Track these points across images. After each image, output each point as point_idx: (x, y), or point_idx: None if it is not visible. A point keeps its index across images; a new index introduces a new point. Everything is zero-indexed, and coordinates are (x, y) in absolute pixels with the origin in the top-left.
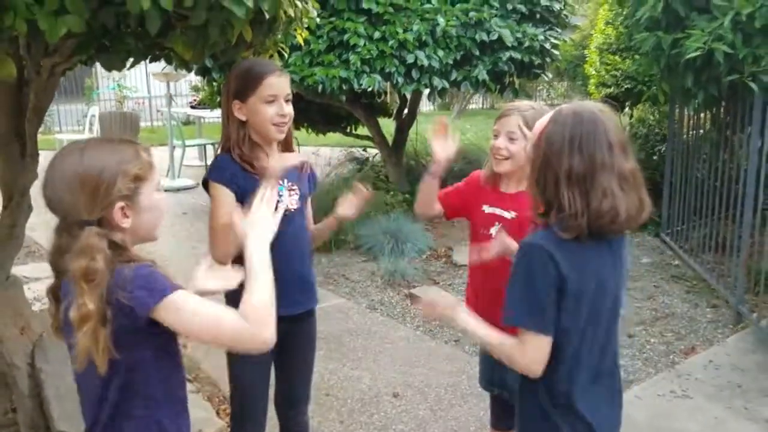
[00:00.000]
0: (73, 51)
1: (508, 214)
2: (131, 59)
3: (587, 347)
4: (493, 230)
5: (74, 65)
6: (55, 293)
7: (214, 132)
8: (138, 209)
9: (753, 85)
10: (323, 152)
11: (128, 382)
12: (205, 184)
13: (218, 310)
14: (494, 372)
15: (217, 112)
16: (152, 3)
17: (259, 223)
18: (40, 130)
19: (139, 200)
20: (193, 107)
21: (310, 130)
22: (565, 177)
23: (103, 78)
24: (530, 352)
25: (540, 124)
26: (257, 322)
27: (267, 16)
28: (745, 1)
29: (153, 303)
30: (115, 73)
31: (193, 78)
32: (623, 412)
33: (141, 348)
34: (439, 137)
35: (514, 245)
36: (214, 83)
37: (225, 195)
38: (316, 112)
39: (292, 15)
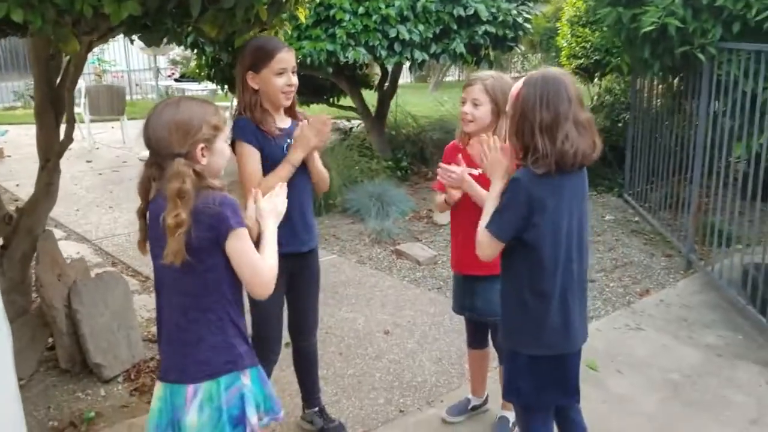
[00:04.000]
0: (123, 30)
1: (476, 171)
2: (166, 37)
3: (562, 255)
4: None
5: (107, 41)
6: (143, 213)
7: None
8: (212, 151)
9: (701, 56)
10: None
11: (205, 281)
12: (232, 144)
13: (258, 257)
14: (464, 298)
15: (203, 85)
16: None
17: (279, 210)
18: (20, 104)
19: (215, 144)
20: (177, 80)
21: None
22: (537, 127)
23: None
24: (484, 245)
25: (515, 87)
26: (270, 279)
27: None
28: None
29: (235, 225)
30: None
31: (172, 52)
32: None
33: (216, 255)
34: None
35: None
36: (204, 57)
37: (252, 152)
38: (301, 84)
39: None
